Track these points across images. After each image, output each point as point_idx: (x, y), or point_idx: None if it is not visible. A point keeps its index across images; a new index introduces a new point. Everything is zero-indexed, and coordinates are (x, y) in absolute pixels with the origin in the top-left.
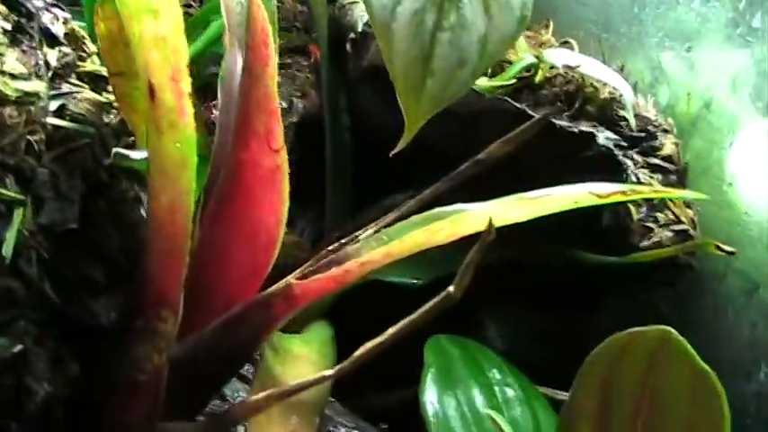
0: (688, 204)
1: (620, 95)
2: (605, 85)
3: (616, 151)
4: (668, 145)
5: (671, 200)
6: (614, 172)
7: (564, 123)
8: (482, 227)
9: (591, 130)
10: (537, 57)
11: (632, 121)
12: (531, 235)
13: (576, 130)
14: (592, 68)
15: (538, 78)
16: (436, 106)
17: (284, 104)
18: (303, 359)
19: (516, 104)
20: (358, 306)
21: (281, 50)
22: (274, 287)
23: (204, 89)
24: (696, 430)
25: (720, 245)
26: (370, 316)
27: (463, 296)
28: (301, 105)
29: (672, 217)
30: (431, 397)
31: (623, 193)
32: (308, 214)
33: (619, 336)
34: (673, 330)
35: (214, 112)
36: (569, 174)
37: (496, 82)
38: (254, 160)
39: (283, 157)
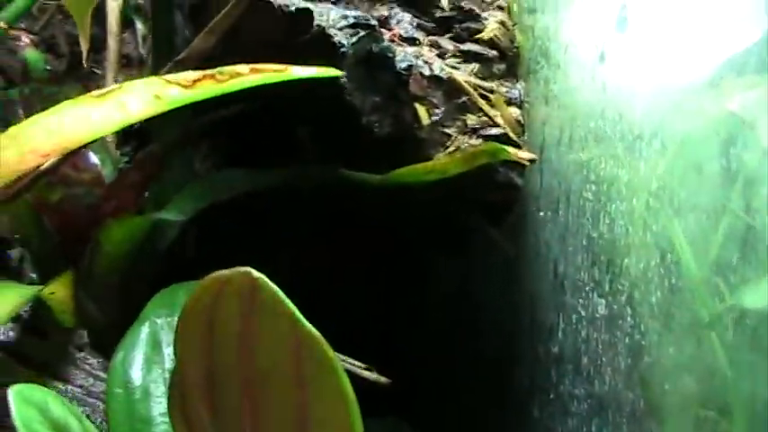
0: (514, 101)
1: None
2: None
3: (332, 32)
4: (492, 25)
5: (486, 97)
6: (334, 57)
7: (282, 2)
8: (52, 141)
9: (308, 6)
10: None
11: None
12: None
13: (292, 8)
14: None
15: None
16: None
17: None
18: None
19: None
20: None
21: None
22: None
23: None
24: (310, 413)
25: (516, 152)
26: None
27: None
28: None
29: (485, 119)
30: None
31: (213, 77)
32: None
33: (216, 276)
34: (262, 278)
35: None
36: (289, 62)
37: None
38: None
39: None
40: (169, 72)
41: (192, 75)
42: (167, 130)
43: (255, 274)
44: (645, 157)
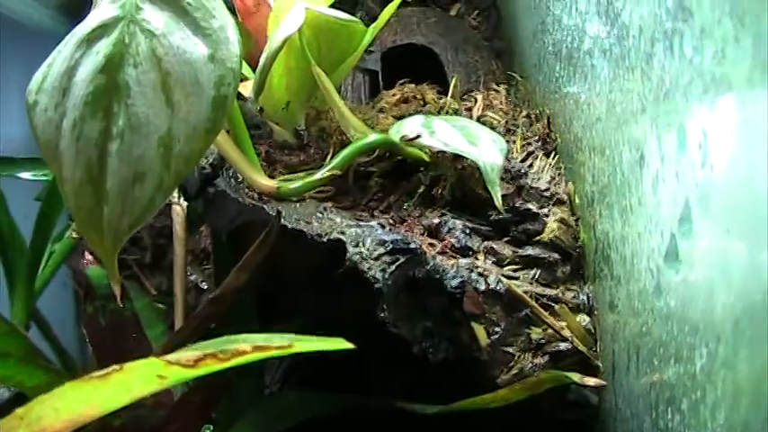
0: (582, 308)
1: (487, 167)
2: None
3: (365, 265)
4: (552, 225)
5: (551, 305)
6: (370, 292)
7: (315, 231)
8: (62, 420)
9: (342, 236)
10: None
11: (497, 200)
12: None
13: (324, 239)
14: (438, 137)
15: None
16: (119, 239)
17: None
18: None
19: (269, 211)
20: None
21: None
22: None
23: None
24: None
25: (581, 378)
26: None
27: None
28: None
29: (550, 332)
30: None
31: (215, 356)
32: None
33: None
34: None
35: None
36: (330, 299)
37: (307, 180)
38: None
39: None
40: (208, 308)
41: (192, 354)
42: None
43: None
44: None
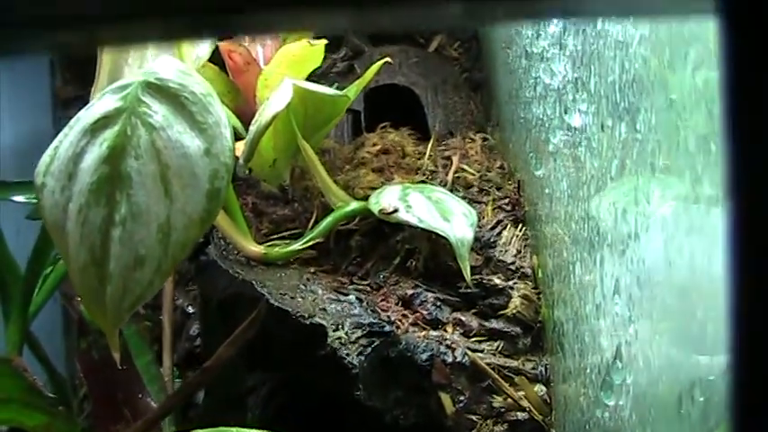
0: (540, 379)
1: (458, 242)
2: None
3: (344, 351)
4: (515, 300)
5: (512, 375)
6: (347, 374)
7: (299, 310)
8: None
9: (322, 322)
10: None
11: (467, 276)
12: None
13: (307, 322)
14: (414, 213)
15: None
16: (121, 317)
17: None
18: None
19: (258, 288)
20: None
21: None
22: None
23: None
24: None
25: None
26: None
27: None
28: None
29: (510, 401)
30: None
31: None
32: None
33: None
34: None
35: None
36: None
37: (292, 247)
38: None
39: None
40: (197, 378)
41: None
42: (220, 387)
43: None
44: None
